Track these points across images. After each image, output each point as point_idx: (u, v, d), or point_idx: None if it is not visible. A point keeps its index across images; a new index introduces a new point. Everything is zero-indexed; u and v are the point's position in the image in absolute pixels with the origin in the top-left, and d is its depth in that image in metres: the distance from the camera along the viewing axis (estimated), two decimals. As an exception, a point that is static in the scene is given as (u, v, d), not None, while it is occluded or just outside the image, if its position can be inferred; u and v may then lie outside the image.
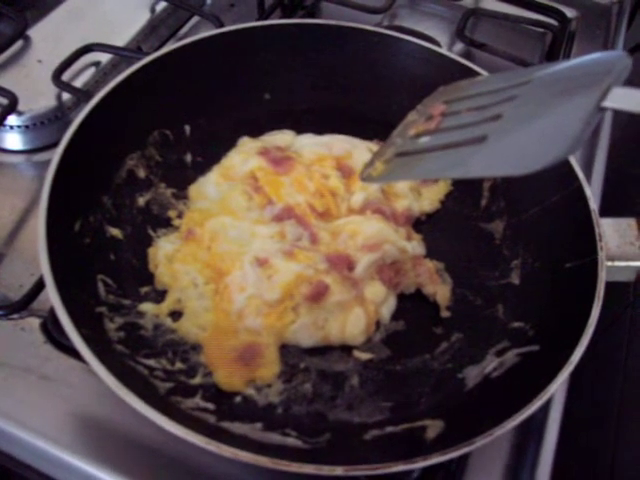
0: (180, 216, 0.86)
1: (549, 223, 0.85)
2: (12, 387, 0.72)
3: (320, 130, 0.97)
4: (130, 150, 0.87)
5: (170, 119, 0.91)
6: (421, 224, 0.91)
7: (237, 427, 0.66)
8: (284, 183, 0.86)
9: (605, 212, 0.82)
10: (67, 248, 0.72)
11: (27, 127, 0.97)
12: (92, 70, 1.04)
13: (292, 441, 0.66)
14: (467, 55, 1.19)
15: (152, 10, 1.17)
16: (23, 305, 0.76)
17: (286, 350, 0.77)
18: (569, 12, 1.30)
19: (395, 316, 0.81)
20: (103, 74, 1.05)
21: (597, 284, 0.72)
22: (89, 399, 0.71)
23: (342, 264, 0.79)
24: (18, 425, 0.69)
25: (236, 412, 0.69)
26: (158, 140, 0.90)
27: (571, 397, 0.75)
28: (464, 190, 0.94)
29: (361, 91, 1.01)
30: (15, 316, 0.77)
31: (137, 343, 0.72)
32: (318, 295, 0.76)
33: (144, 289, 0.79)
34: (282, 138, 0.95)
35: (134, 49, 1.11)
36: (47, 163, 0.74)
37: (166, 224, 0.86)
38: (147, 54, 0.90)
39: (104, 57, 1.06)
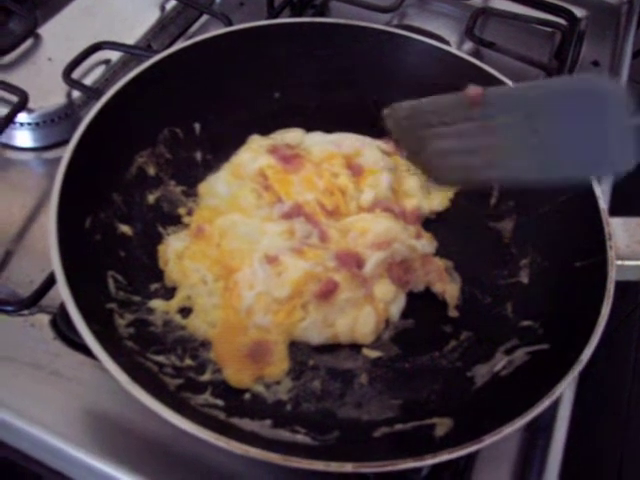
0: (190, 213, 0.86)
1: (558, 222, 0.84)
2: (22, 383, 0.72)
3: (329, 128, 0.97)
4: (140, 148, 0.87)
5: (180, 117, 0.91)
6: (430, 222, 0.91)
7: (246, 423, 0.66)
8: (293, 181, 0.86)
9: (614, 211, 0.81)
10: (78, 245, 0.72)
11: (37, 124, 0.97)
12: (102, 68, 1.04)
13: (301, 438, 0.66)
14: (476, 54, 1.19)
15: (162, 9, 1.17)
16: (33, 301, 0.76)
17: (295, 347, 0.77)
18: (578, 12, 1.29)
19: (404, 314, 0.81)
20: (113, 72, 1.05)
21: (607, 283, 0.71)
22: (99, 395, 0.72)
23: (351, 262, 0.79)
24: (28, 421, 0.69)
25: (245, 409, 0.69)
26: (168, 138, 0.90)
27: (580, 396, 0.75)
28: (474, 189, 0.94)
29: (370, 90, 1.01)
30: (25, 312, 0.77)
31: (147, 339, 0.73)
32: (327, 293, 0.76)
33: (154, 286, 0.79)
34: (292, 136, 0.95)
35: (144, 47, 1.11)
36: (57, 160, 0.74)
37: (176, 221, 0.86)
38: (157, 52, 0.91)
39: (114, 55, 1.06)
